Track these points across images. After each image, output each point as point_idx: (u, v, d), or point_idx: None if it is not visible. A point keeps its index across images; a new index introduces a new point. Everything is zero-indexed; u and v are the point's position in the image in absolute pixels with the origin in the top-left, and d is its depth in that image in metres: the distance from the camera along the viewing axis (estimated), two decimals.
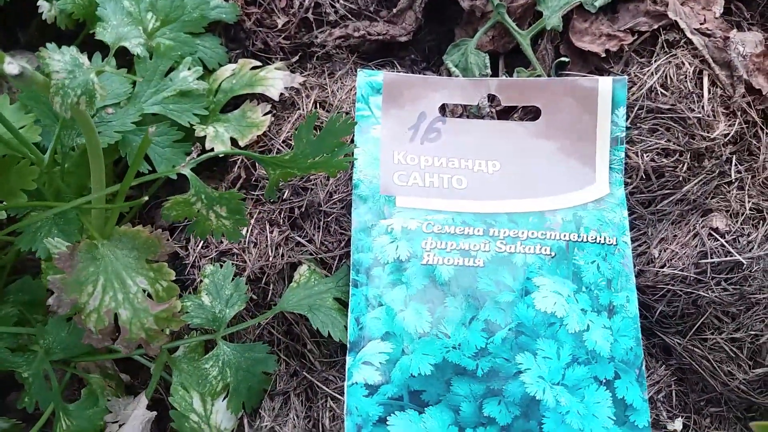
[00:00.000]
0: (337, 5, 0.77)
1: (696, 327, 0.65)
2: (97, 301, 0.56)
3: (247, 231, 0.67)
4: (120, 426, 0.61)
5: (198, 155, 0.68)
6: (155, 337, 0.57)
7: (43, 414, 0.64)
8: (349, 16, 0.77)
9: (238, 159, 0.70)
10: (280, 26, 0.77)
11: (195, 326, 0.61)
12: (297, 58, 0.77)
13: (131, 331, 0.56)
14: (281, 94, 0.71)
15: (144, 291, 0.56)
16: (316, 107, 0.70)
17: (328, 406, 0.61)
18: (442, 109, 0.69)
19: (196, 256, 0.67)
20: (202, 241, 0.68)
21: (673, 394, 0.66)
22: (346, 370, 0.58)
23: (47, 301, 0.55)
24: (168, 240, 0.59)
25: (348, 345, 0.59)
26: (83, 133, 0.54)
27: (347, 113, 0.69)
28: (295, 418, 0.61)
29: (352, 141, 0.65)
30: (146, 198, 0.58)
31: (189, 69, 0.70)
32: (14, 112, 0.61)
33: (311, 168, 0.58)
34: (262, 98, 0.72)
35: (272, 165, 0.56)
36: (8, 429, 0.69)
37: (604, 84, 0.68)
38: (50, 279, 0.55)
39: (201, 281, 0.63)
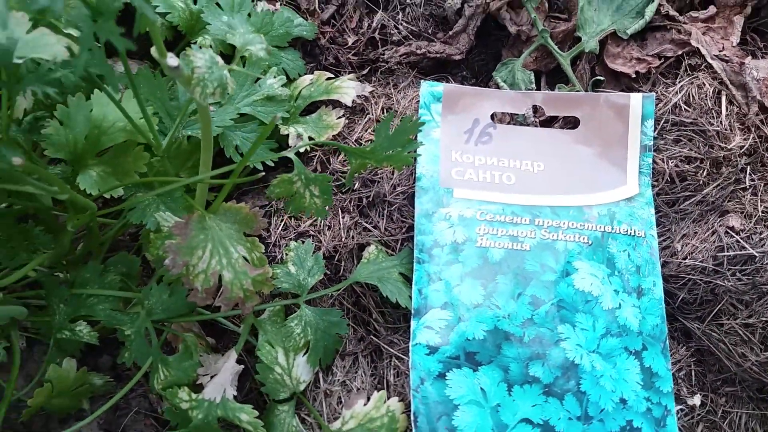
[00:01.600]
0: (400, 27, 0.89)
1: (713, 313, 0.74)
2: (205, 264, 0.66)
3: (329, 218, 0.77)
4: (211, 377, 0.71)
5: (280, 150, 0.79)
6: (250, 298, 0.68)
7: (140, 370, 0.74)
8: (410, 36, 0.89)
9: (315, 154, 0.81)
10: (350, 44, 0.88)
11: (283, 290, 0.71)
12: (364, 72, 0.88)
13: (232, 290, 0.66)
14: (353, 101, 0.82)
15: (243, 258, 0.67)
16: (383, 112, 0.81)
17: (392, 364, 0.71)
18: (493, 116, 0.79)
19: (277, 237, 0.78)
20: (282, 224, 0.79)
21: (693, 373, 0.75)
22: (411, 332, 0.68)
23: (164, 262, 0.65)
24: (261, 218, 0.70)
25: (412, 312, 0.69)
26: (201, 121, 0.65)
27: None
28: (363, 374, 0.71)
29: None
30: (263, 172, 0.69)
31: (274, 77, 0.81)
32: (134, 105, 0.72)
33: (385, 159, 0.68)
34: (336, 104, 0.83)
35: (354, 155, 0.67)
36: (102, 385, 0.79)
37: (635, 99, 0.78)
38: (167, 243, 0.65)
39: (287, 254, 0.73)
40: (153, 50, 0.55)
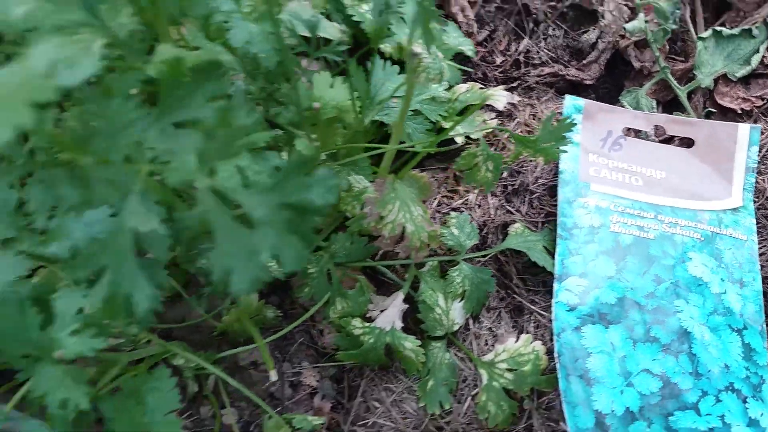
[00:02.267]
0: (542, 53, 1.06)
1: None
2: (393, 216, 0.82)
3: (475, 197, 0.93)
4: (381, 312, 0.86)
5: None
6: (423, 249, 0.83)
7: (316, 304, 0.90)
8: (549, 61, 1.06)
9: (465, 148, 0.97)
10: (497, 63, 1.06)
11: (447, 247, 0.87)
12: (507, 87, 1.05)
13: (412, 240, 0.82)
14: (504, 106, 0.99)
15: (421, 215, 0.83)
16: (531, 117, 0.98)
17: (533, 319, 0.86)
18: (623, 130, 0.96)
19: (433, 211, 0.94)
20: (436, 201, 0.95)
21: None
22: (554, 292, 0.83)
23: (363, 210, 0.82)
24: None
25: (555, 276, 0.85)
26: (404, 101, 0.82)
27: None
28: (506, 324, 0.86)
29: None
30: (455, 145, 0.85)
31: (439, 83, 0.99)
32: (343, 90, 0.89)
33: (541, 150, 0.84)
34: (488, 108, 1.00)
35: (520, 141, 0.83)
36: (272, 318, 0.94)
37: (743, 129, 0.94)
38: (367, 196, 0.82)
39: (449, 221, 0.89)
40: (411, 43, 0.72)
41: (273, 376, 0.74)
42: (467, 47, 1.04)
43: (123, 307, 0.43)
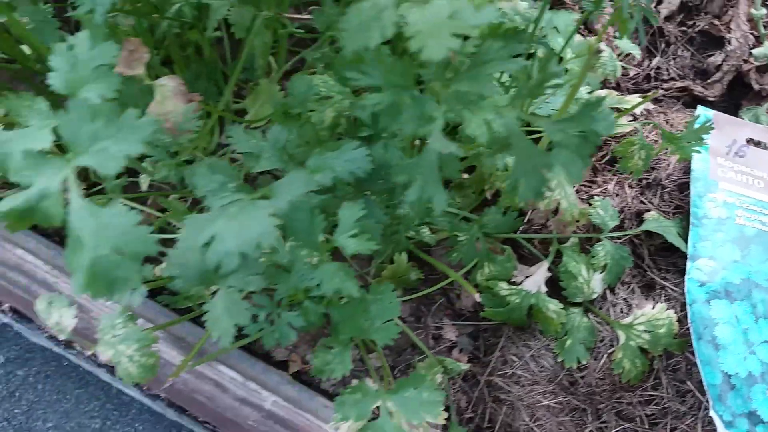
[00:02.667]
0: (671, 70, 1.19)
1: None
2: (551, 193, 0.96)
3: (613, 186, 1.06)
4: (526, 277, 0.99)
5: None
6: (572, 224, 0.97)
7: (465, 266, 1.03)
8: (677, 78, 1.20)
9: (609, 146, 1.11)
10: (631, 75, 1.20)
11: (595, 225, 1.00)
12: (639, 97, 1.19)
13: (565, 215, 0.96)
14: (641, 111, 1.12)
15: (573, 195, 0.97)
16: (664, 122, 1.11)
17: (663, 293, 0.98)
18: (745, 140, 1.08)
19: None
20: (574, 188, 1.08)
21: None
22: (687, 270, 0.96)
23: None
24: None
25: (688, 256, 0.97)
26: (571, 92, 0.96)
27: None
28: (638, 297, 0.99)
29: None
30: None
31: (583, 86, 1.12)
32: None
33: (682, 148, 0.97)
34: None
35: (667, 138, 0.96)
36: (414, 280, 1.08)
37: None
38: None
39: (593, 204, 1.02)
40: (590, 42, 0.86)
41: (477, 297, 0.87)
42: (635, 51, 1.17)
43: (423, 209, 0.57)
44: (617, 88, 1.20)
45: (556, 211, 0.97)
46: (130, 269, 0.50)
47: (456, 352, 1.06)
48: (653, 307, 0.94)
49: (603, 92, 1.16)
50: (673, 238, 0.98)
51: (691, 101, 1.19)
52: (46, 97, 0.62)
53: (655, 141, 1.08)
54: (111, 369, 1.11)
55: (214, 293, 0.66)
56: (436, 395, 0.67)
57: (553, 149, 0.53)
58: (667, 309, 0.94)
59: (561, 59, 0.97)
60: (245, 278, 0.63)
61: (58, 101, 0.59)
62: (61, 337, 0.82)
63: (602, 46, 0.84)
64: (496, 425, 0.99)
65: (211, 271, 0.65)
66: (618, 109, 1.09)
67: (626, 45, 1.10)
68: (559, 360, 0.97)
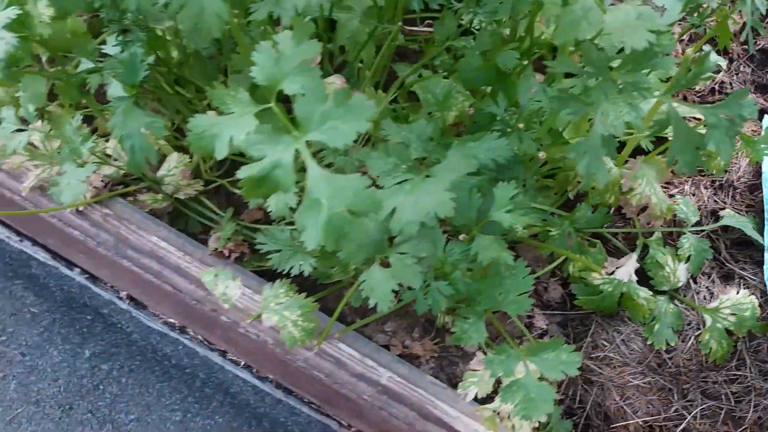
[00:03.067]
0: (734, 85, 1.31)
1: None
2: (641, 189, 1.05)
3: (689, 187, 1.17)
4: (617, 268, 1.09)
5: None
6: (660, 218, 1.07)
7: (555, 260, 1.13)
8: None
9: None
10: (696, 89, 1.31)
11: (679, 219, 1.10)
12: None
13: (654, 209, 1.06)
14: None
15: (661, 192, 1.07)
16: None
17: (742, 282, 1.08)
18: None
19: None
20: None
21: None
22: (765, 260, 1.06)
23: (621, 182, 1.05)
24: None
25: (765, 248, 1.07)
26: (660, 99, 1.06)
27: None
28: (719, 285, 1.08)
29: None
30: None
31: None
32: None
33: (757, 151, 1.07)
34: (693, 119, 1.25)
35: (744, 139, 1.06)
36: None
37: None
38: (625, 171, 1.06)
39: (675, 201, 1.12)
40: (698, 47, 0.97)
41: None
42: (722, 62, 1.27)
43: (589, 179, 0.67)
44: (684, 100, 1.31)
45: (644, 208, 1.07)
46: (359, 226, 0.60)
47: (547, 338, 1.15)
48: (737, 293, 1.03)
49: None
50: (751, 232, 1.08)
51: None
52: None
53: None
54: (223, 353, 1.20)
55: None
56: (574, 356, 0.77)
57: (707, 130, 0.63)
58: (750, 295, 1.04)
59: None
60: (418, 245, 0.72)
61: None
62: (226, 306, 0.91)
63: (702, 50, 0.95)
64: (586, 405, 1.08)
65: (383, 241, 0.75)
66: (695, 118, 1.20)
67: (713, 56, 1.21)
68: (648, 343, 1.06)
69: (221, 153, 0.68)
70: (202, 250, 1.06)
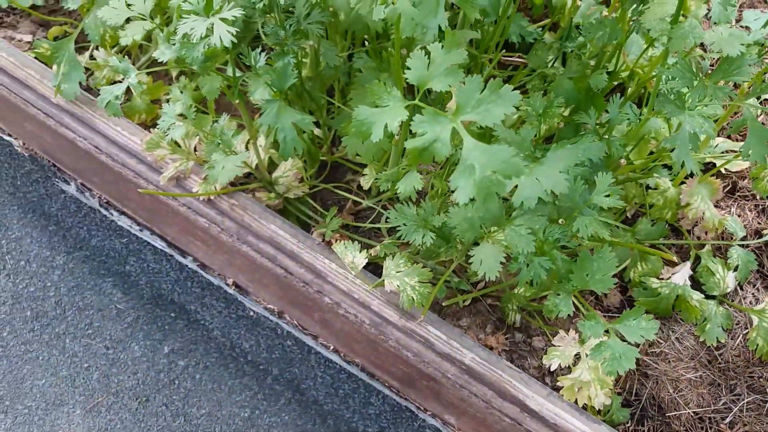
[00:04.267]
0: None
1: None
2: (697, 204, 1.23)
3: (735, 209, 1.34)
4: (672, 274, 1.25)
5: None
6: (712, 230, 1.24)
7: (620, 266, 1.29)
8: None
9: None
10: None
11: (729, 233, 1.27)
12: None
13: (708, 222, 1.23)
14: None
15: (714, 208, 1.24)
16: None
17: None
18: None
19: None
20: None
21: None
22: None
23: (679, 197, 1.23)
24: None
25: None
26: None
27: None
28: (763, 293, 1.24)
29: None
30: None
31: None
32: None
33: None
34: None
35: None
36: None
37: None
38: (682, 188, 1.23)
39: (725, 217, 1.29)
40: None
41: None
42: None
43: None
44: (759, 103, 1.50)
45: (698, 221, 1.24)
46: (503, 186, 0.78)
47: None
48: None
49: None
50: None
51: None
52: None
53: None
54: (315, 337, 1.35)
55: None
56: (652, 324, 0.92)
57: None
58: None
59: None
60: (532, 219, 0.90)
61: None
62: (352, 273, 1.08)
63: None
64: (642, 397, 1.23)
65: (502, 217, 0.92)
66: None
67: None
68: (701, 340, 1.22)
69: (377, 136, 0.86)
70: (312, 240, 1.23)
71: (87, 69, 1.35)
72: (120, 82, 1.07)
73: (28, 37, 1.50)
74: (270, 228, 1.22)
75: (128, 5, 0.96)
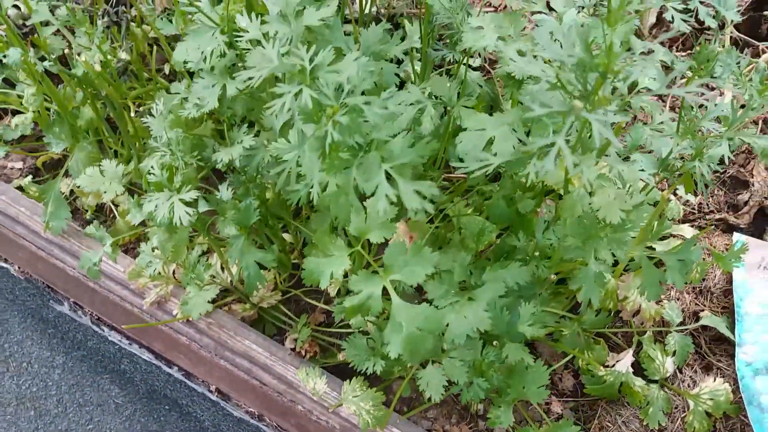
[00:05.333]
0: (711, 206, 1.62)
1: None
2: (634, 297, 1.36)
3: (674, 292, 1.47)
4: (616, 362, 1.37)
5: None
6: (650, 320, 1.36)
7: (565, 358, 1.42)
8: (714, 211, 1.62)
9: None
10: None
11: (666, 320, 1.39)
12: (689, 225, 1.61)
13: (644, 313, 1.35)
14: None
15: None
16: (709, 244, 1.52)
17: (719, 372, 1.36)
18: None
19: None
20: None
21: None
22: (735, 354, 1.34)
23: (618, 291, 1.36)
24: None
25: (735, 344, 1.35)
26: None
27: None
28: (700, 375, 1.36)
29: None
30: None
31: None
32: None
33: (727, 264, 1.37)
34: (680, 237, 1.56)
35: (716, 256, 1.37)
36: None
37: None
38: (619, 283, 1.36)
39: (662, 305, 1.42)
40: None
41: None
42: (692, 198, 1.59)
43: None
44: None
45: (637, 312, 1.37)
46: (429, 340, 0.91)
47: (561, 421, 1.42)
48: (714, 381, 1.31)
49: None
50: (724, 330, 1.37)
51: (727, 228, 1.61)
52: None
53: (704, 258, 1.49)
54: None
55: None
56: None
57: (667, 271, 0.94)
58: (724, 383, 1.32)
59: None
60: (464, 351, 1.02)
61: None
62: (315, 397, 1.20)
63: (671, 196, 1.26)
64: None
65: (438, 348, 1.05)
66: (677, 236, 1.51)
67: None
68: (645, 423, 1.33)
69: (324, 284, 1.00)
70: (283, 351, 1.36)
71: (73, 191, 1.50)
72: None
73: (19, 164, 1.64)
74: (244, 343, 1.35)
75: (101, 172, 1.11)
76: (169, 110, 1.07)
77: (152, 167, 1.03)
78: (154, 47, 1.55)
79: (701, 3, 0.89)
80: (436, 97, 1.12)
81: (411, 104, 1.06)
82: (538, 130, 0.88)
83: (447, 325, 1.01)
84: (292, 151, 0.85)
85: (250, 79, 0.77)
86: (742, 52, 1.79)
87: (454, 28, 1.03)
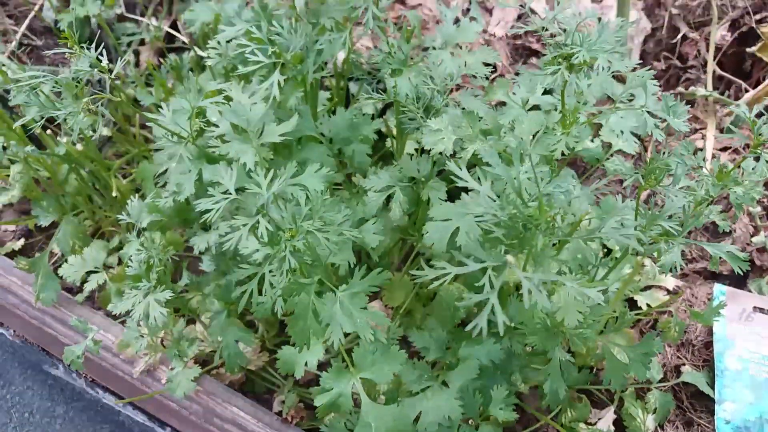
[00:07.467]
0: (693, 254, 1.64)
1: None
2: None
3: None
4: (599, 419, 1.40)
5: None
6: (629, 378, 1.39)
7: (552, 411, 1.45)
8: (697, 258, 1.64)
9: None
10: None
11: (645, 379, 1.41)
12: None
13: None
14: (673, 287, 1.56)
15: None
16: (691, 296, 1.54)
17: (699, 428, 1.38)
18: (754, 308, 1.51)
19: None
20: None
21: None
22: (715, 411, 1.36)
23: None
24: None
25: (716, 400, 1.38)
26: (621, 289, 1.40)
27: None
28: (682, 430, 1.39)
29: None
30: None
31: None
32: None
33: (706, 320, 1.39)
34: (661, 288, 1.57)
35: (694, 314, 1.39)
36: (511, 420, 1.49)
37: None
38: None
39: None
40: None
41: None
42: None
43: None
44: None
45: None
46: None
47: None
48: None
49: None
50: (704, 387, 1.39)
51: (710, 275, 1.62)
52: None
53: (685, 311, 1.51)
54: None
55: None
56: None
57: (630, 362, 0.96)
58: None
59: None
60: None
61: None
62: None
63: (646, 261, 1.28)
64: None
65: None
66: (659, 287, 1.53)
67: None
68: None
69: (299, 374, 1.03)
70: (270, 416, 1.39)
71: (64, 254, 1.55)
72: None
73: (12, 227, 1.68)
74: (232, 410, 1.39)
75: (84, 260, 1.14)
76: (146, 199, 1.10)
77: (130, 259, 1.06)
78: (137, 115, 1.58)
79: (650, 114, 0.91)
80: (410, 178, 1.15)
81: (379, 191, 1.08)
82: (490, 243, 0.91)
83: (419, 413, 1.03)
84: (254, 272, 0.88)
85: (207, 211, 0.80)
86: (723, 93, 1.81)
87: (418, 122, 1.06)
